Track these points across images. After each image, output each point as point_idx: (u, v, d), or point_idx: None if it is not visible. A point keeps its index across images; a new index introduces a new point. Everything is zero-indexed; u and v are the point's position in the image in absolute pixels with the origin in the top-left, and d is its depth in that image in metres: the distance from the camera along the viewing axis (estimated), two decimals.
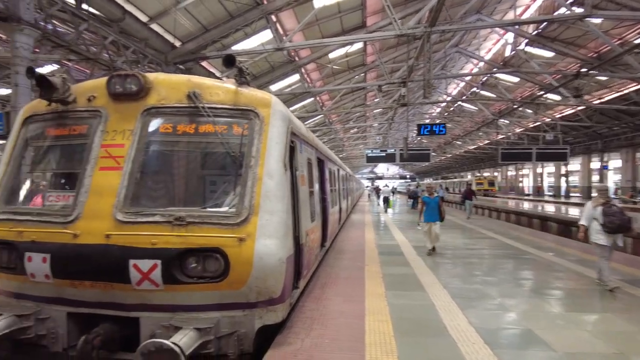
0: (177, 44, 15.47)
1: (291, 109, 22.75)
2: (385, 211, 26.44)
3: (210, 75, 18.63)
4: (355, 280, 7.33)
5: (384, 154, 25.30)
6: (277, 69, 20.77)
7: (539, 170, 51.60)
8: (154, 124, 4.33)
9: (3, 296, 4.31)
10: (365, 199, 47.00)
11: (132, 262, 3.73)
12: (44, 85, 4.24)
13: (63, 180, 4.80)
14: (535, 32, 21.84)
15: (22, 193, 4.61)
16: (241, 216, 3.93)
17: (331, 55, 21.28)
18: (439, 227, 10.08)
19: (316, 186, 7.25)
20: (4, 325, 3.88)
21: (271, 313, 4.13)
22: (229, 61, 4.35)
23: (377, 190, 44.38)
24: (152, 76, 4.46)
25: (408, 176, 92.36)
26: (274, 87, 22.38)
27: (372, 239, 12.99)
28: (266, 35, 16.96)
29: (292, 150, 4.96)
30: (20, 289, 4.16)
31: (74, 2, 11.60)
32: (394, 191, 45.64)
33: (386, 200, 28.44)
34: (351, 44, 19.14)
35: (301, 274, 5.40)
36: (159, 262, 3.74)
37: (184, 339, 3.55)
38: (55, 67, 16.68)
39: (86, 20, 11.88)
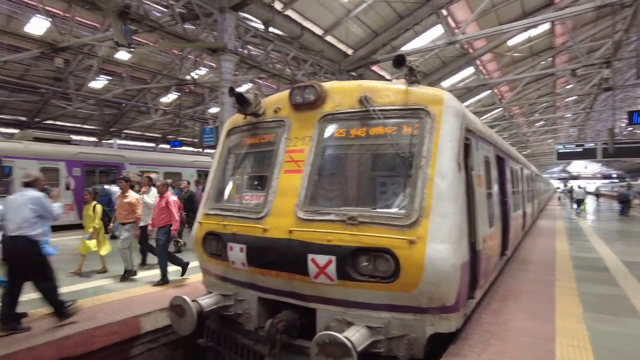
0: (349, 52, 16.35)
1: (465, 104, 21.49)
2: (578, 215, 22.53)
3: (381, 78, 19.08)
4: (543, 295, 6.40)
5: (580, 150, 21.66)
6: (448, 64, 19.96)
7: None
8: (330, 130, 4.61)
9: (213, 278, 5.23)
10: (555, 201, 40.96)
11: (310, 256, 4.04)
12: (241, 102, 5.00)
13: (256, 182, 5.55)
14: None
15: (226, 192, 5.50)
16: (411, 218, 3.83)
17: (510, 42, 19.36)
18: None
19: (495, 187, 6.58)
20: (214, 301, 4.81)
21: (444, 321, 3.93)
22: (399, 61, 4.30)
23: (571, 192, 38.28)
24: (327, 85, 4.76)
25: (614, 175, 76.19)
26: (446, 83, 21.53)
27: (564, 249, 11.16)
28: (437, 31, 16.48)
29: (466, 148, 4.62)
30: (225, 273, 4.97)
31: (262, 27, 13.48)
32: (598, 193, 38.45)
33: (579, 203, 24.22)
34: (535, 26, 16.95)
35: (477, 284, 4.98)
36: (333, 258, 3.95)
37: (356, 335, 3.68)
38: (250, 85, 19.68)
39: (272, 41, 13.67)
